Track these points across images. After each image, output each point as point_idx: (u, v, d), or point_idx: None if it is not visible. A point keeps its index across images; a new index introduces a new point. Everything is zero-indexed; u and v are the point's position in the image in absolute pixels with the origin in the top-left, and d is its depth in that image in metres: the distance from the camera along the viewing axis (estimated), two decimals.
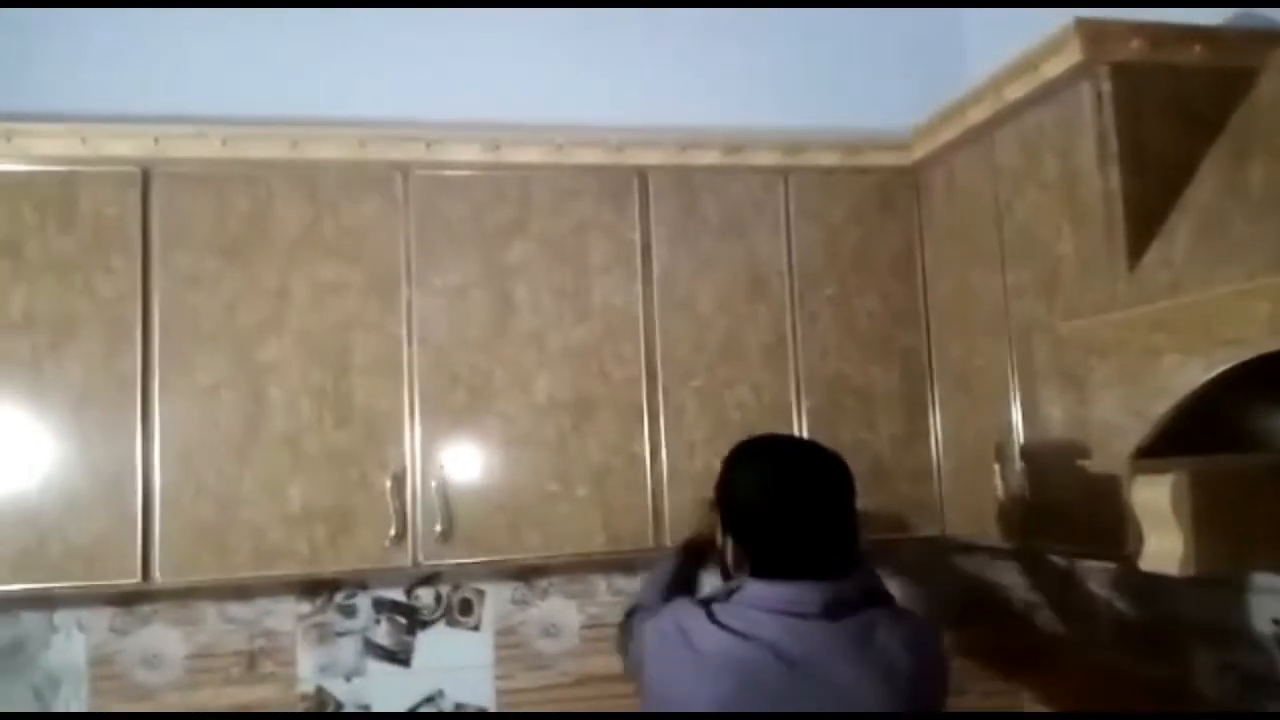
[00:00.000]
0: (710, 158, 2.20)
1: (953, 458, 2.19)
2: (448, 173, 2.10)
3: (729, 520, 1.54)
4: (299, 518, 1.98)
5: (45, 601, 2.17)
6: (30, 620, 2.18)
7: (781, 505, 1.45)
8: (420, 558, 2.01)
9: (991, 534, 2.02)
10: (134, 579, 1.91)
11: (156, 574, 1.92)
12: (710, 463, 2.10)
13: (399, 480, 2.01)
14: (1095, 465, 1.56)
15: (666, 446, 2.12)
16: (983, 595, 2.57)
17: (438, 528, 2.00)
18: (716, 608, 1.44)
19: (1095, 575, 2.23)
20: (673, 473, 2.11)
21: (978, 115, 2.01)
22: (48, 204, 1.95)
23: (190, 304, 1.98)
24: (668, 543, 2.09)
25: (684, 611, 1.46)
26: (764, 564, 1.45)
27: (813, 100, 2.47)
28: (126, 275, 1.96)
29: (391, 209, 2.08)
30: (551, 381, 2.10)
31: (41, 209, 1.95)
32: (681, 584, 1.83)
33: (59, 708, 2.18)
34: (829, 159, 2.26)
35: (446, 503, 2.01)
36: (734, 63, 2.47)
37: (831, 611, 1.39)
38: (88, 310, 1.94)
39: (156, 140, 1.99)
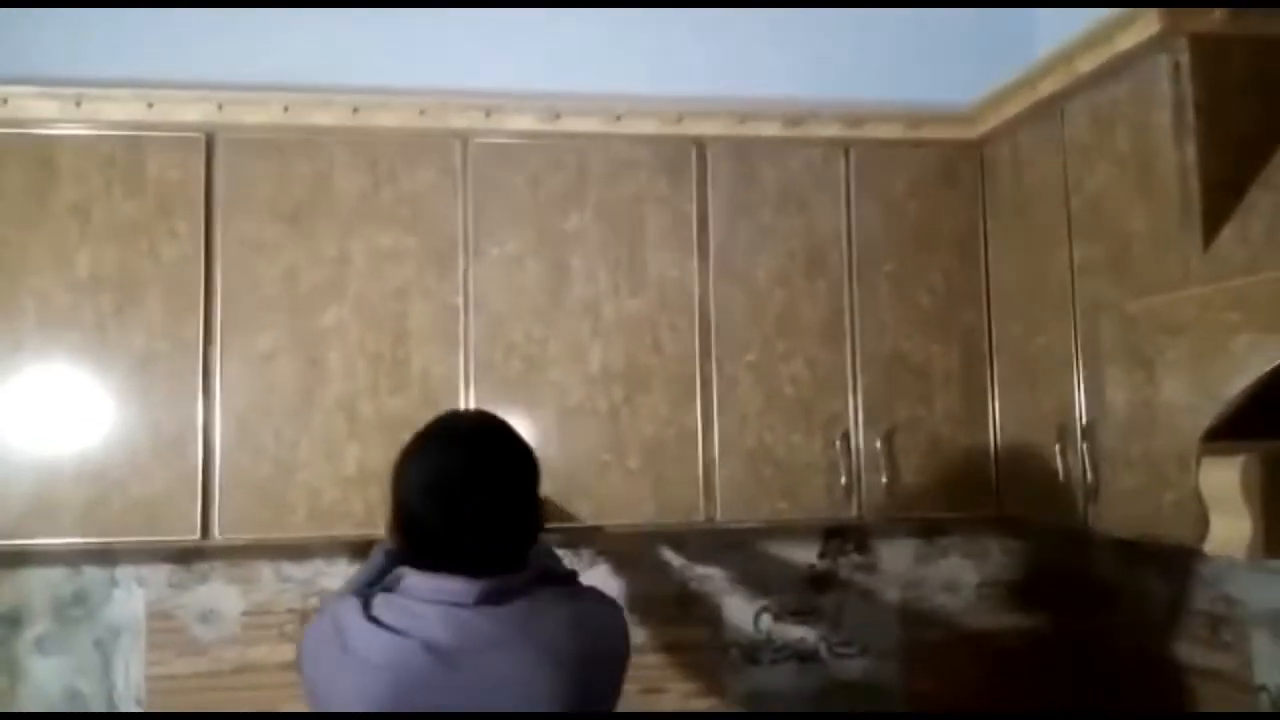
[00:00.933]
0: (770, 129, 2.17)
1: (1012, 438, 2.16)
2: (505, 141, 2.10)
3: (394, 508, 1.42)
4: (355, 480, 2.00)
5: (107, 556, 2.22)
6: (92, 574, 2.24)
7: (440, 507, 1.34)
8: None
9: (1051, 516, 1.99)
10: (194, 536, 1.95)
11: (216, 532, 1.96)
12: (763, 437, 2.12)
13: None
14: (1162, 447, 1.53)
15: (719, 420, 2.11)
16: (1039, 579, 2.54)
17: None
18: (377, 600, 1.36)
19: (1156, 560, 2.19)
20: (725, 446, 2.10)
21: (1047, 88, 1.96)
22: (114, 168, 1.98)
23: (252, 269, 2.01)
24: (718, 516, 2.10)
25: (342, 608, 1.38)
26: (422, 557, 1.36)
27: (875, 72, 2.43)
28: (190, 240, 1.99)
29: (450, 177, 2.08)
30: (605, 352, 2.09)
31: (108, 173, 1.98)
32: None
33: (118, 658, 2.24)
34: (891, 132, 2.22)
35: None
36: (795, 33, 2.44)
37: (493, 598, 1.33)
38: (152, 274, 1.98)
39: (220, 106, 2.01)
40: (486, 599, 1.32)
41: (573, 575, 1.55)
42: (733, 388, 2.12)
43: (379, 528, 2.00)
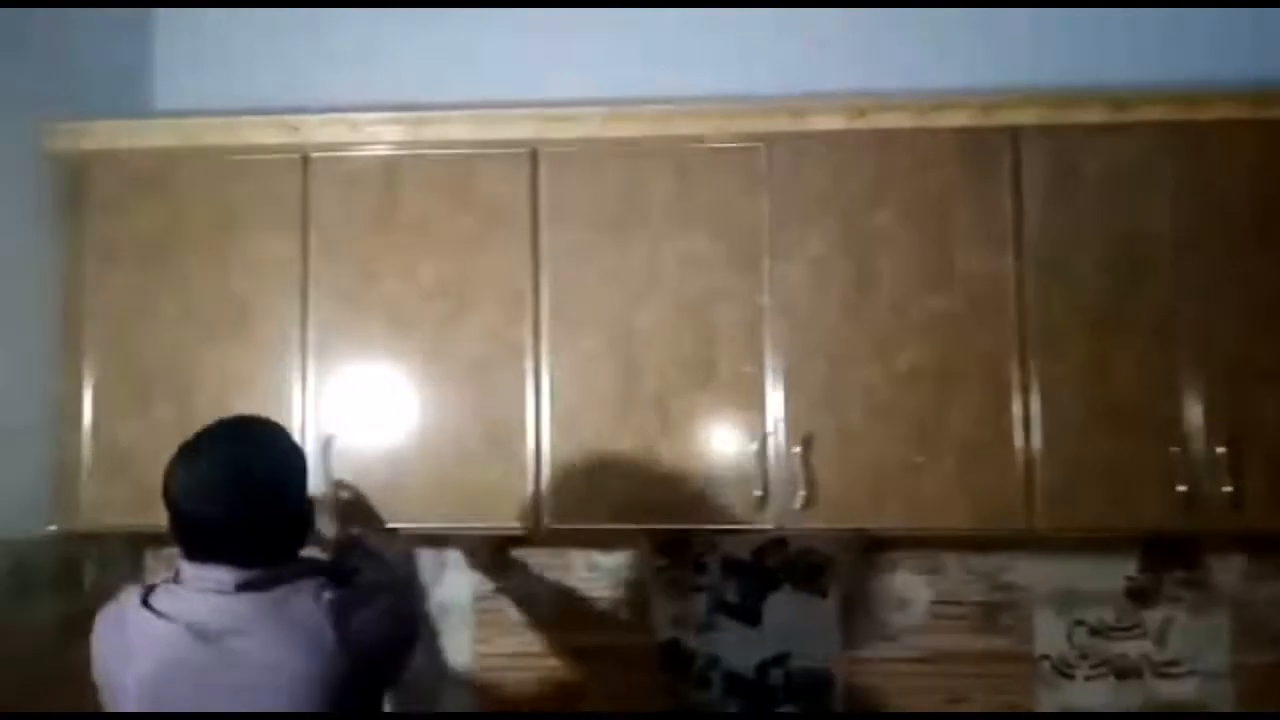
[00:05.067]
0: (1092, 115, 2.05)
1: None
2: (810, 142, 2.10)
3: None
4: (669, 476, 2.07)
5: (437, 541, 2.42)
6: (425, 557, 2.45)
7: (197, 505, 1.46)
8: (782, 521, 2.05)
9: None
10: (527, 524, 2.09)
11: (545, 520, 2.09)
12: (1088, 441, 2.01)
13: (762, 445, 2.05)
14: None
15: (1040, 423, 2.02)
16: None
17: (801, 493, 2.03)
18: (157, 590, 1.49)
19: None
20: (1047, 449, 2.01)
21: None
22: (451, 185, 2.15)
23: (573, 275, 2.12)
24: (1038, 523, 2.01)
25: (126, 596, 1.52)
26: (188, 551, 1.49)
27: (1210, 48, 2.24)
28: (518, 249, 2.13)
29: (754, 180, 2.11)
30: (914, 351, 2.05)
31: (446, 189, 2.15)
32: None
33: (447, 635, 2.43)
34: (1230, 112, 2.03)
35: (809, 469, 2.04)
36: (1118, 10, 2.28)
37: (254, 586, 1.44)
38: (485, 281, 2.13)
39: (545, 122, 2.13)
40: (247, 586, 1.44)
41: (354, 570, 1.65)
42: (1054, 389, 2.02)
43: (690, 522, 2.09)
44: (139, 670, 1.43)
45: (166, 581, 1.51)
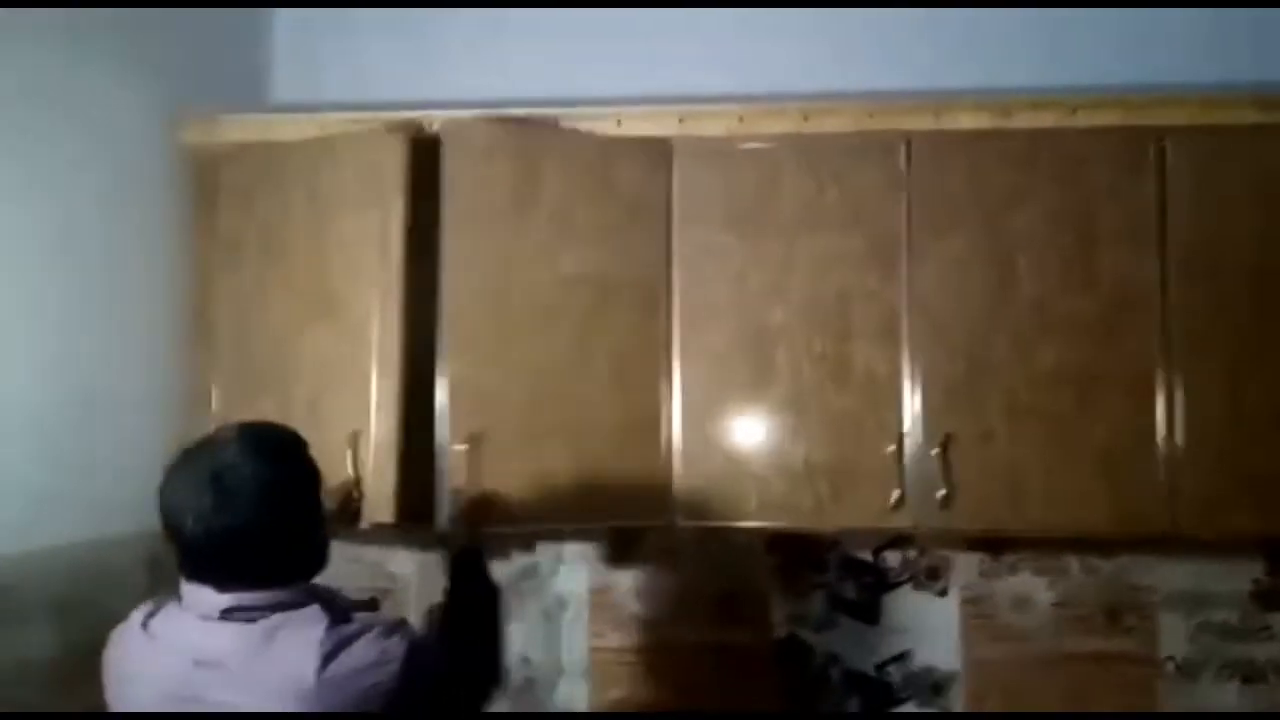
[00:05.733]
0: (1241, 116, 2.03)
1: None
2: (952, 141, 2.09)
3: None
4: (802, 475, 2.07)
5: (556, 534, 2.43)
6: (543, 549, 2.47)
7: (183, 518, 1.34)
8: (919, 522, 2.05)
9: None
10: (660, 521, 2.10)
11: (679, 517, 2.09)
12: (1234, 444, 1.99)
13: (899, 445, 2.04)
14: None
15: (1185, 425, 2.00)
16: None
17: (940, 493, 2.02)
18: (161, 611, 1.42)
19: None
20: (1191, 452, 1.99)
21: None
22: (591, 177, 2.13)
23: (706, 273, 2.12)
24: (1183, 525, 2.00)
25: (134, 617, 1.44)
26: (180, 565, 1.39)
27: None
28: (654, 245, 2.13)
29: (893, 178, 2.10)
30: (1056, 353, 2.04)
31: (587, 183, 2.14)
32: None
33: (563, 627, 2.45)
34: None
35: (948, 470, 2.03)
36: (1269, 9, 2.25)
37: (240, 614, 1.35)
38: (624, 276, 2.12)
39: (680, 119, 2.13)
40: (232, 613, 1.35)
41: (358, 604, 1.51)
42: (1200, 392, 2.00)
43: (826, 521, 2.09)
44: (135, 688, 1.39)
45: (174, 599, 1.42)
